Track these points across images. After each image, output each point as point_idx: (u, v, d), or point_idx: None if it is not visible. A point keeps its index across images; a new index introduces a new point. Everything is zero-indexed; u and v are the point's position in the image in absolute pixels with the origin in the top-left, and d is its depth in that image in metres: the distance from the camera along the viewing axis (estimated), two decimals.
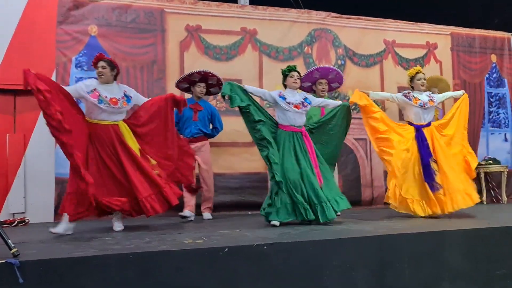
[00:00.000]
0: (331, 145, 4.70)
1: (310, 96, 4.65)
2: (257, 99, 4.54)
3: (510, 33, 7.58)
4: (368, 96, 4.82)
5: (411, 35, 7.07)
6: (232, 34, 6.16)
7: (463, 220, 4.48)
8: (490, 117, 7.40)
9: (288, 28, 6.42)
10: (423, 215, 4.59)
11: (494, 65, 7.47)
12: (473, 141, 7.17)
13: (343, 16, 6.69)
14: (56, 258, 2.59)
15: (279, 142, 4.32)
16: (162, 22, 5.88)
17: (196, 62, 5.85)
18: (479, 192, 6.91)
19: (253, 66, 6.16)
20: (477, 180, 6.98)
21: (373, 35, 6.83)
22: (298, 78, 4.49)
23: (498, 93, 7.47)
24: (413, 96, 4.83)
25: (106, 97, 4.05)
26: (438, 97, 5.01)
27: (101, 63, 4.12)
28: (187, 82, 5.19)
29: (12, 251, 2.51)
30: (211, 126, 5.24)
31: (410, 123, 4.88)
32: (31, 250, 2.85)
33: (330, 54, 6.56)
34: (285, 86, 4.55)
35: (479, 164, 7.00)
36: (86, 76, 5.44)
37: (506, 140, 7.42)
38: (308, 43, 6.49)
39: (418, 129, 4.79)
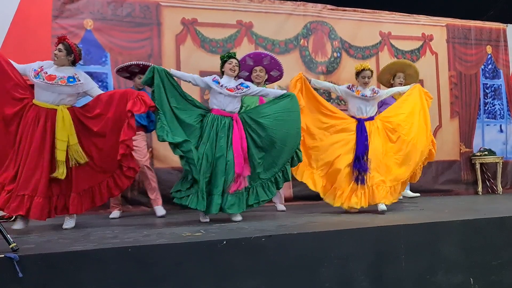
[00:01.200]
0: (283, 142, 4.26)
1: (248, 82, 4.44)
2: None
3: (505, 25, 7.58)
4: (310, 82, 4.72)
5: (406, 27, 7.07)
6: (228, 27, 6.15)
7: (459, 211, 4.51)
8: (486, 108, 7.41)
9: (284, 20, 6.41)
10: (338, 205, 4.52)
11: (489, 56, 7.48)
12: (469, 132, 7.23)
13: (339, 8, 6.68)
14: (55, 252, 2.61)
15: (204, 126, 4.08)
16: (157, 16, 5.86)
17: (192, 56, 5.85)
18: (475, 183, 7.03)
19: None
20: (473, 170, 7.08)
21: (369, 27, 6.83)
22: (236, 66, 4.32)
23: (494, 84, 7.49)
24: (356, 88, 4.79)
25: (45, 73, 3.84)
26: (383, 92, 4.92)
27: (59, 46, 3.93)
28: (127, 72, 5.02)
29: (11, 246, 2.52)
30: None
31: (352, 116, 4.80)
32: (30, 245, 2.86)
33: (326, 46, 6.56)
34: (223, 73, 4.37)
35: (474, 155, 7.08)
36: (82, 70, 5.44)
37: (501, 131, 7.45)
38: (304, 35, 6.48)
39: (360, 121, 4.71)
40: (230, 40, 6.13)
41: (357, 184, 4.52)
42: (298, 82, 4.67)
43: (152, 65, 4.07)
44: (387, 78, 5.77)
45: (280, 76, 5.21)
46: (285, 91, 4.47)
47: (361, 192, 4.49)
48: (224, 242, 2.85)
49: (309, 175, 4.66)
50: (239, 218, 4.04)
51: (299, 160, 4.35)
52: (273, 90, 4.59)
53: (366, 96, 4.75)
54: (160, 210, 4.78)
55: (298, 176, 4.64)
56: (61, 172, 3.73)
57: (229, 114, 4.18)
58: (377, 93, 4.80)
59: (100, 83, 5.43)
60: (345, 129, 4.70)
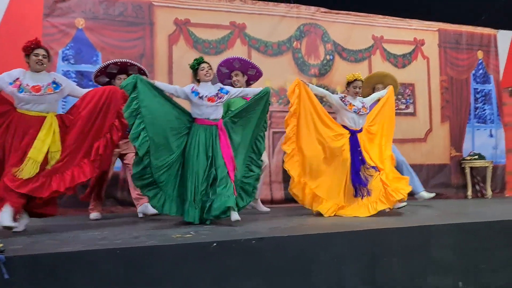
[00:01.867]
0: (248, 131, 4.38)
1: (227, 86, 4.42)
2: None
3: (496, 30, 7.65)
4: (308, 87, 4.73)
5: (399, 31, 7.11)
6: (221, 28, 6.14)
7: (449, 214, 4.54)
8: (476, 113, 7.47)
9: (277, 22, 6.41)
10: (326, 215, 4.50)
11: (480, 61, 7.54)
12: (459, 137, 7.28)
13: (332, 11, 6.71)
14: (43, 253, 2.58)
15: (192, 138, 4.08)
16: (150, 16, 5.83)
17: (185, 56, 5.81)
18: (465, 187, 7.07)
19: None
20: (462, 174, 7.12)
21: (361, 30, 6.85)
22: (209, 69, 4.27)
23: (484, 89, 7.55)
24: (349, 101, 4.78)
25: (27, 85, 3.71)
26: (367, 100, 4.96)
27: (42, 51, 3.81)
28: (106, 75, 4.80)
29: None
30: None
31: (345, 127, 4.79)
32: (17, 246, 2.82)
33: (319, 49, 6.57)
34: (198, 81, 4.31)
35: (464, 159, 7.12)
36: (73, 70, 5.43)
37: (491, 136, 7.51)
38: (297, 38, 6.49)
39: (353, 134, 4.73)
40: (223, 41, 6.11)
41: (361, 198, 4.55)
42: (297, 87, 4.66)
43: (135, 75, 3.99)
44: (367, 91, 5.76)
45: (258, 72, 5.13)
46: (260, 88, 4.46)
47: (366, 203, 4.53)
48: (215, 244, 2.83)
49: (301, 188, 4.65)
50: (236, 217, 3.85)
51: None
52: (252, 89, 4.60)
53: (358, 112, 4.76)
54: (146, 208, 4.52)
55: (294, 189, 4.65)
56: (27, 172, 3.52)
57: (214, 122, 4.16)
58: (366, 107, 4.85)
59: (90, 83, 5.38)
60: (338, 143, 4.70)
